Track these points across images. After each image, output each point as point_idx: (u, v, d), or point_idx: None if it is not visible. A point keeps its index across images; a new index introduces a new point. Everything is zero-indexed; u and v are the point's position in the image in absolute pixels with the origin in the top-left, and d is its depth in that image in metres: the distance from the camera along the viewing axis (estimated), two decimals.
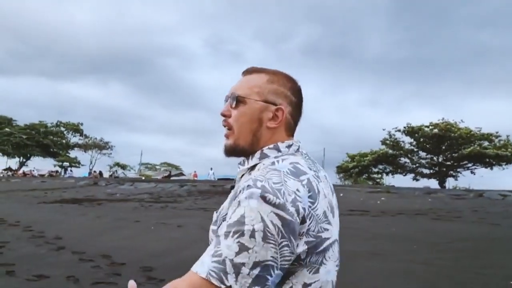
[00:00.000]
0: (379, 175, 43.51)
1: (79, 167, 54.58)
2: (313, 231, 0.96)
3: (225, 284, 0.86)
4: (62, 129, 56.78)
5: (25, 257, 5.91)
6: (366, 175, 43.41)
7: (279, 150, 1.09)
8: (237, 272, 0.87)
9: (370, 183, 43.25)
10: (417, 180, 38.62)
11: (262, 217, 0.88)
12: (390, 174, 40.87)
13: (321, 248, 0.99)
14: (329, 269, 1.01)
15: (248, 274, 0.87)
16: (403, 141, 38.70)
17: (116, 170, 52.77)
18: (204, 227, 8.47)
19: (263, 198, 0.90)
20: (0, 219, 9.39)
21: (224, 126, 1.15)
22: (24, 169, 51.88)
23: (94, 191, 19.13)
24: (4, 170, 53.49)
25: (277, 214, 0.89)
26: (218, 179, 31.65)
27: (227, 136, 1.14)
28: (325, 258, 1.00)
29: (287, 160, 1.05)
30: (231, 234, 0.90)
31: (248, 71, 1.17)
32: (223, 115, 1.14)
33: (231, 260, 0.88)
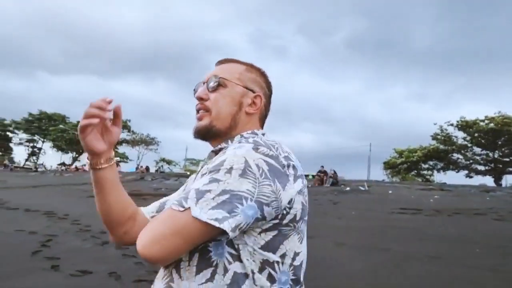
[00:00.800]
0: (429, 172, 41.84)
1: (127, 162, 56.48)
2: (305, 196, 0.99)
3: (183, 207, 0.85)
4: None
5: (71, 251, 5.94)
6: (415, 171, 41.97)
7: (256, 135, 1.09)
8: (199, 197, 0.86)
9: (420, 180, 41.59)
10: (471, 177, 37.04)
11: (246, 160, 0.89)
12: (441, 171, 39.26)
13: (306, 217, 1.00)
14: (305, 243, 1.02)
15: (213, 198, 0.85)
16: (455, 136, 37.02)
17: (162, 165, 54.21)
18: None
19: (255, 149, 0.92)
20: (50, 212, 9.66)
21: (198, 110, 1.12)
22: (76, 164, 54.39)
23: (140, 186, 19.51)
24: (59, 165, 56.53)
25: (265, 161, 0.91)
26: None
27: (200, 118, 1.11)
28: (305, 230, 1.02)
29: (275, 139, 1.06)
30: (206, 174, 0.90)
31: (224, 61, 1.19)
32: (200, 98, 1.13)
33: (196, 189, 0.87)
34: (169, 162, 60.12)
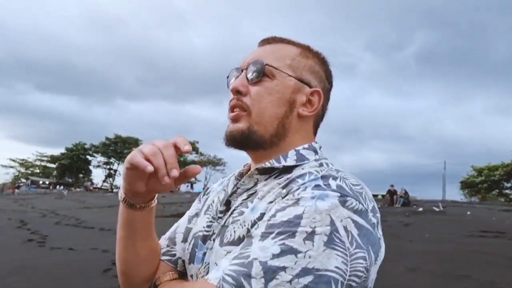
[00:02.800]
0: None
1: (195, 183, 58.19)
2: (380, 259, 0.72)
3: None
4: None
5: None
6: (497, 190, 38.80)
7: (316, 152, 0.84)
8: (269, 277, 0.60)
9: (502, 200, 38.39)
10: None
11: (332, 221, 0.64)
12: None
13: (372, 287, 0.74)
14: None
15: (290, 282, 0.60)
16: None
17: None
18: None
19: (342, 202, 0.66)
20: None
21: (234, 108, 0.83)
22: None
23: None
24: None
25: (354, 221, 0.66)
26: None
27: (236, 119, 0.82)
28: None
29: (334, 165, 0.80)
30: (272, 235, 0.64)
31: (271, 40, 0.87)
32: (236, 91, 0.83)
33: (263, 263, 0.61)
34: None
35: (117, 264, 0.89)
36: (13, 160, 63.03)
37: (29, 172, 63.25)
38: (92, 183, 63.86)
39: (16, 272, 5.49)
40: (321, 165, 0.79)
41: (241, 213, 0.78)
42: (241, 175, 0.89)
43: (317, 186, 0.70)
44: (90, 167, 64.70)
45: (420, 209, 17.25)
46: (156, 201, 0.84)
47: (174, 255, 0.92)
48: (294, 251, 0.62)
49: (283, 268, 0.61)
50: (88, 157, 62.91)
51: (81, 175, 62.58)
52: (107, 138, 61.21)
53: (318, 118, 0.88)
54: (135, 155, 0.71)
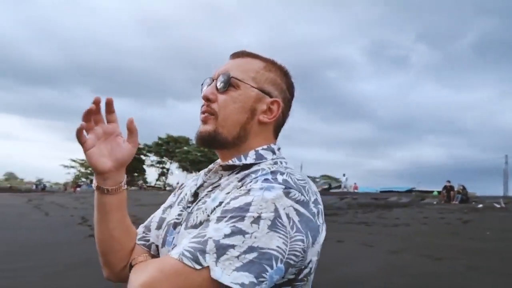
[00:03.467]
0: None
1: None
2: (321, 245, 0.85)
3: (200, 264, 0.70)
4: None
5: None
6: None
7: (274, 153, 0.97)
8: (220, 253, 0.70)
9: None
10: None
11: (276, 208, 0.75)
12: None
13: (314, 267, 0.86)
14: None
15: (237, 257, 0.71)
16: None
17: None
18: (365, 243, 7.94)
19: (286, 193, 0.78)
20: None
21: (204, 113, 0.96)
22: None
23: None
24: None
25: (296, 210, 0.78)
26: (381, 191, 30.08)
27: (205, 121, 0.95)
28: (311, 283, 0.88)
29: (288, 163, 0.94)
30: (225, 218, 0.75)
31: (240, 54, 1.00)
32: (206, 98, 0.95)
33: (216, 241, 0.72)
34: None
35: (96, 246, 0.99)
36: (74, 161, 66.73)
37: (89, 171, 66.52)
38: (146, 182, 66.29)
39: (85, 264, 5.83)
40: (275, 163, 0.92)
41: (204, 202, 0.90)
42: (209, 171, 1.00)
43: (266, 180, 0.81)
44: (144, 166, 67.15)
45: (480, 205, 16.39)
46: (125, 185, 0.95)
47: (148, 240, 1.02)
48: (242, 232, 0.73)
49: (232, 246, 0.71)
50: (142, 156, 65.27)
51: (135, 174, 65.07)
52: (159, 138, 63.20)
53: (278, 124, 1.01)
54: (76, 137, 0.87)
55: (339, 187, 35.09)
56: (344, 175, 34.34)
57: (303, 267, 0.81)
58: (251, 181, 0.83)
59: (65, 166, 67.08)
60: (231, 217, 0.75)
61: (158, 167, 66.74)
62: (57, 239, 8.57)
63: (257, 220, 0.74)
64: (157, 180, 67.87)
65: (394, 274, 5.57)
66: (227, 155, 0.97)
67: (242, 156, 0.94)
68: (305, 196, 0.80)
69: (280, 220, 0.75)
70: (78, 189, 45.59)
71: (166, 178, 67.55)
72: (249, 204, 0.76)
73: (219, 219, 0.76)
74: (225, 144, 0.95)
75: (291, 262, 0.76)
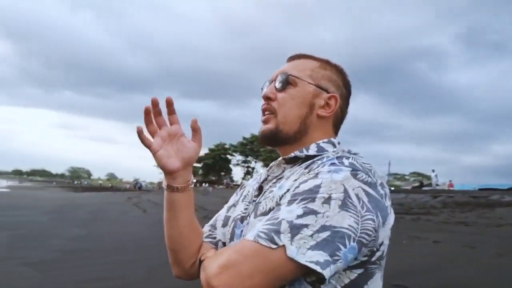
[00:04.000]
0: None
1: None
2: (390, 229, 0.86)
3: (276, 244, 0.71)
4: None
5: None
6: None
7: (334, 146, 0.98)
8: (294, 233, 0.72)
9: None
10: None
11: (346, 189, 0.77)
12: None
13: (386, 251, 0.87)
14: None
15: (311, 235, 0.72)
16: None
17: None
18: (466, 245, 7.39)
19: (353, 175, 0.80)
20: None
21: (264, 111, 1.00)
22: None
23: None
24: None
25: (365, 191, 0.79)
26: (479, 189, 27.76)
27: (266, 121, 1.00)
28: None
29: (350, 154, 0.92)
30: (296, 201, 0.77)
31: (296, 57, 1.05)
32: (267, 97, 1.00)
33: (289, 221, 0.74)
34: None
35: (166, 242, 1.03)
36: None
37: None
38: (232, 181, 68.36)
39: None
40: (337, 155, 0.91)
41: (271, 191, 0.93)
42: (271, 167, 1.04)
43: (333, 164, 0.84)
44: (230, 166, 69.34)
45: None
46: (193, 184, 1.00)
47: (215, 237, 1.06)
48: (314, 212, 0.74)
49: (306, 225, 0.73)
50: (228, 156, 67.45)
51: (222, 173, 67.43)
52: (244, 138, 64.74)
53: (337, 119, 1.03)
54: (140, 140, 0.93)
55: (431, 184, 32.95)
56: (433, 171, 32.16)
57: (375, 248, 0.82)
58: (318, 166, 0.86)
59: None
60: (302, 199, 0.77)
61: (243, 166, 68.56)
62: (155, 234, 9.19)
63: (328, 200, 0.76)
64: (242, 178, 69.62)
65: (501, 280, 5.12)
66: (289, 150, 0.99)
67: (304, 149, 0.97)
68: (372, 178, 0.82)
69: (350, 200, 0.76)
70: None
71: (252, 176, 68.87)
72: (318, 186, 0.78)
73: (290, 202, 0.78)
74: (287, 139, 0.98)
75: (364, 241, 0.77)
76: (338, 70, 1.04)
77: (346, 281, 0.80)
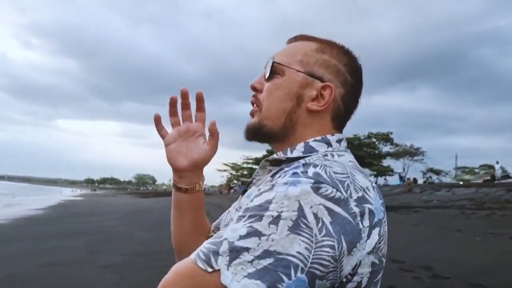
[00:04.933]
0: None
1: (392, 175, 56.03)
2: (381, 250, 0.71)
3: (212, 267, 0.62)
4: (373, 140, 59.93)
5: None
6: None
7: (329, 145, 0.82)
8: (233, 257, 0.62)
9: None
10: None
11: (301, 207, 0.64)
12: None
13: (378, 277, 0.73)
14: None
15: (251, 261, 0.61)
16: None
17: (430, 176, 51.20)
18: None
19: (315, 189, 0.66)
20: None
21: (252, 104, 0.89)
22: None
23: (409, 198, 18.94)
24: None
25: (328, 209, 0.65)
26: None
27: (252, 114, 0.88)
28: None
29: (344, 156, 0.80)
30: (244, 218, 0.66)
31: (293, 39, 0.91)
32: (253, 88, 0.89)
33: (230, 243, 0.64)
34: (437, 172, 56.27)
35: (171, 240, 0.99)
36: (226, 164, 72.33)
37: (239, 174, 71.44)
38: None
39: None
40: (325, 155, 0.78)
41: (240, 199, 0.85)
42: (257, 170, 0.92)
43: (294, 174, 0.70)
44: None
45: None
46: (202, 186, 0.94)
47: None
48: (258, 234, 0.63)
49: (247, 249, 0.62)
50: None
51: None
52: None
53: (338, 113, 0.86)
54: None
55: (507, 177, 30.72)
56: (497, 162, 29.99)
57: (343, 279, 0.67)
58: (279, 176, 0.74)
59: (219, 170, 73.09)
60: (250, 216, 0.66)
61: None
62: None
63: (276, 220, 0.64)
64: None
65: None
66: (278, 148, 0.87)
67: (288, 149, 0.83)
68: (342, 193, 0.67)
69: (305, 221, 0.63)
70: (231, 190, 49.24)
71: None
72: (269, 201, 0.66)
73: (239, 219, 0.68)
74: (272, 136, 0.86)
75: (317, 272, 0.63)
76: (342, 53, 0.87)
77: None
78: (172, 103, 0.92)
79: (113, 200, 42.53)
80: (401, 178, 43.89)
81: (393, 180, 51.61)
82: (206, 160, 0.93)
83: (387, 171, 56.19)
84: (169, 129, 0.95)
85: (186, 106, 0.94)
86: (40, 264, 6.73)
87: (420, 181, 43.97)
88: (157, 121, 0.93)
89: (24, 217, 16.83)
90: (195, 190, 0.94)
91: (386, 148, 59.80)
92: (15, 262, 6.97)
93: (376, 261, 0.70)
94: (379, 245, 0.70)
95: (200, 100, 0.94)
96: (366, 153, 56.75)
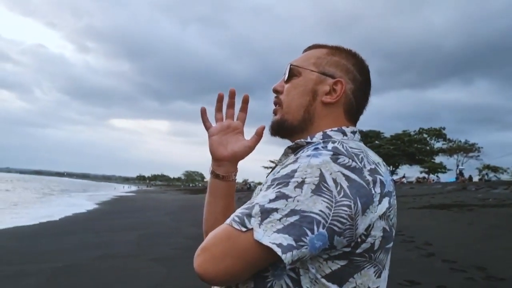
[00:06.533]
0: None
1: (445, 172, 53.82)
2: (391, 219, 0.81)
3: (246, 227, 0.73)
4: (425, 135, 57.84)
5: (396, 260, 6.07)
6: None
7: (345, 134, 0.92)
8: (264, 217, 0.73)
9: None
10: None
11: (322, 173, 0.75)
12: None
13: (389, 245, 0.82)
14: (385, 277, 0.83)
15: (279, 219, 0.72)
16: None
17: (486, 173, 48.60)
18: None
19: (334, 159, 0.77)
20: None
21: (275, 104, 1.00)
22: (394, 177, 55.97)
23: (463, 196, 18.13)
24: None
25: (345, 176, 0.75)
26: None
27: (274, 113, 1.00)
28: (387, 261, 0.83)
29: (359, 143, 0.89)
30: (273, 186, 0.77)
31: (307, 48, 1.03)
32: (275, 90, 1.01)
33: (261, 206, 0.74)
34: (495, 170, 53.29)
35: (203, 225, 1.07)
36: (272, 161, 72.55)
37: None
38: None
39: None
40: (341, 143, 0.85)
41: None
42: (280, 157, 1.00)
43: (315, 149, 0.81)
44: None
45: None
46: (236, 176, 1.04)
47: None
48: (285, 196, 0.73)
49: (276, 210, 0.72)
50: None
51: None
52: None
53: (349, 106, 0.96)
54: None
55: None
56: None
57: (358, 239, 0.76)
58: (302, 152, 0.84)
59: (265, 167, 73.46)
60: (278, 184, 0.76)
61: None
62: None
63: (300, 184, 0.74)
64: None
65: None
66: (299, 139, 0.95)
67: (308, 137, 0.93)
68: (357, 163, 0.78)
69: (326, 185, 0.73)
70: None
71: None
72: (295, 170, 0.77)
73: (268, 187, 0.78)
74: (293, 129, 0.96)
75: (336, 228, 0.72)
76: (350, 55, 0.99)
77: (327, 271, 0.76)
78: (219, 99, 1.04)
79: (163, 196, 43.93)
80: (461, 174, 41.88)
81: (446, 177, 49.58)
82: (244, 154, 1.03)
83: (440, 168, 54.07)
84: (213, 122, 1.06)
85: (231, 104, 1.05)
86: (95, 256, 7.10)
87: (476, 179, 41.90)
88: (203, 113, 1.04)
89: (81, 213, 17.79)
90: (230, 179, 1.04)
91: (438, 144, 57.61)
92: (73, 254, 7.41)
93: (387, 228, 0.80)
94: (389, 213, 0.80)
95: (245, 101, 1.05)
96: (417, 149, 54.98)
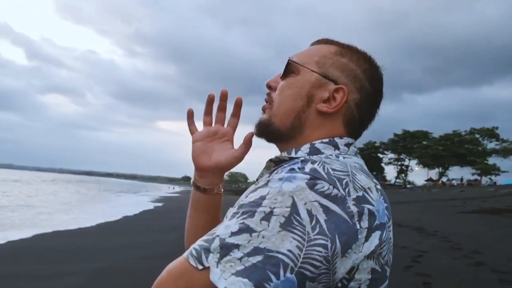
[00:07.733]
0: None
1: (499, 174, 51.15)
2: (383, 257, 0.67)
3: (202, 264, 0.60)
4: (477, 136, 55.29)
5: (441, 269, 5.79)
6: None
7: (337, 148, 0.78)
8: (223, 253, 0.60)
9: None
10: None
11: (294, 203, 0.61)
12: None
13: (382, 287, 0.68)
14: None
15: (240, 259, 0.59)
16: None
17: None
18: None
19: (310, 185, 0.62)
20: (420, 228, 9.85)
21: (266, 102, 0.87)
22: (443, 179, 53.91)
23: None
24: (426, 181, 57.79)
25: (323, 206, 0.61)
26: None
27: (263, 110, 0.87)
28: None
29: (351, 159, 0.75)
30: (237, 214, 0.64)
31: (316, 42, 0.89)
32: (268, 86, 0.88)
33: (222, 239, 0.62)
34: None
35: (185, 238, 0.97)
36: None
37: None
38: (385, 180, 65.56)
39: None
40: (328, 157, 0.74)
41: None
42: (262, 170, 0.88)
43: (291, 170, 0.67)
44: (382, 164, 66.63)
45: None
46: (222, 188, 0.94)
47: None
48: (249, 230, 0.61)
49: (237, 246, 0.60)
50: (379, 155, 65.02)
51: (374, 173, 65.31)
52: (395, 135, 61.64)
53: (351, 119, 0.81)
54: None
55: None
56: None
57: (336, 284, 0.63)
58: (276, 172, 0.71)
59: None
60: (243, 213, 0.64)
61: (396, 164, 65.17)
62: None
63: (268, 216, 0.61)
64: (396, 177, 66.34)
65: None
66: (284, 149, 0.84)
67: (293, 149, 0.80)
68: (339, 190, 0.64)
69: (298, 218, 0.61)
70: None
71: (406, 175, 65.26)
72: (263, 197, 0.64)
73: (233, 215, 0.66)
74: (279, 135, 0.83)
75: (307, 273, 0.60)
76: (363, 59, 0.83)
77: None
78: (209, 101, 0.94)
79: None
80: None
81: (502, 179, 47.06)
82: (229, 165, 0.92)
83: (493, 170, 51.47)
84: (200, 126, 0.96)
85: (222, 108, 0.95)
86: (135, 256, 7.29)
87: None
88: (189, 115, 0.95)
89: (125, 215, 18.43)
90: (213, 192, 0.94)
91: (491, 145, 54.77)
92: (115, 254, 7.65)
93: (377, 268, 0.66)
94: (380, 250, 0.66)
95: (238, 105, 0.94)
96: (468, 150, 52.59)
